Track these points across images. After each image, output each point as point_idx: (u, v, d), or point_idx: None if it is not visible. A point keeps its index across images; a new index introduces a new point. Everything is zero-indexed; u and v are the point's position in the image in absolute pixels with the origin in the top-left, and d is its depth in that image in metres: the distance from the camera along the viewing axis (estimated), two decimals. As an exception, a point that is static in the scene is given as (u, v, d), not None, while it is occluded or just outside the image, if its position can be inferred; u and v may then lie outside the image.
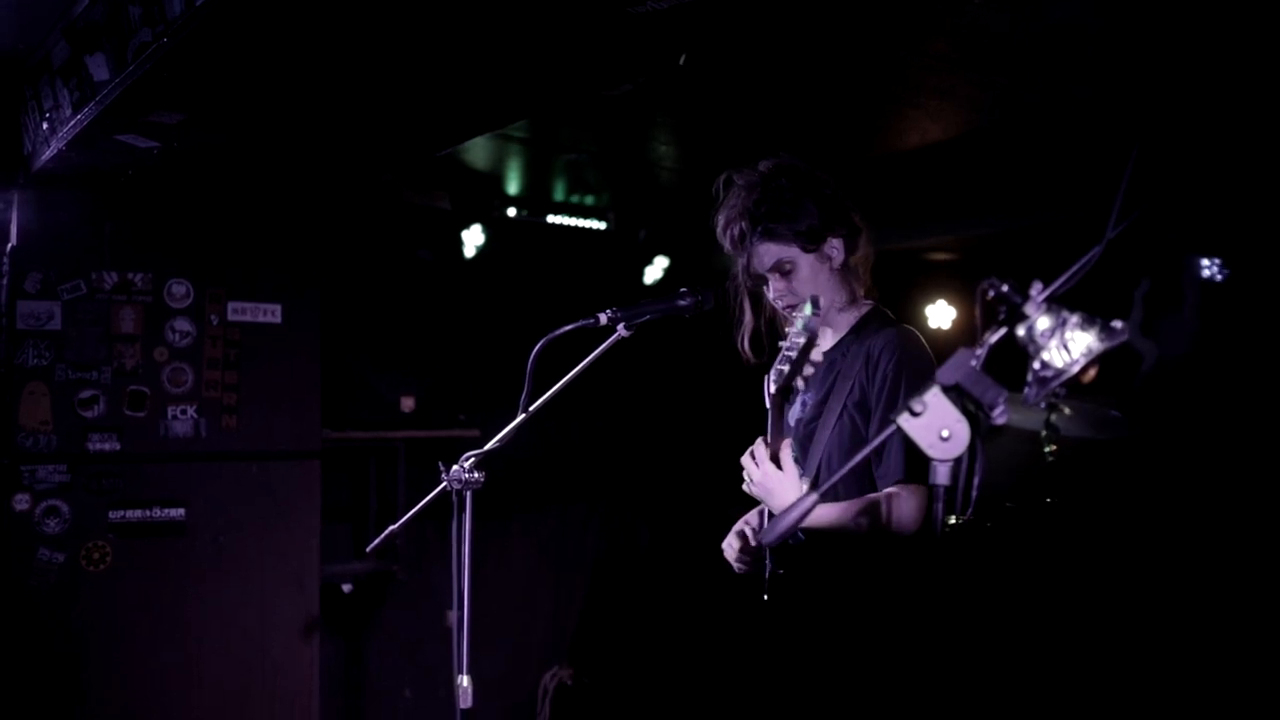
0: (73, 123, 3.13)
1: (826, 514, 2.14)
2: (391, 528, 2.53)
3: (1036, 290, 1.39)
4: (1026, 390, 1.39)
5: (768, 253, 2.30)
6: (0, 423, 3.84)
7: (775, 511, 2.13)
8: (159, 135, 3.23)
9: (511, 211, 5.33)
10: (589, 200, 5.45)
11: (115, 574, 3.99)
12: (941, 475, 1.37)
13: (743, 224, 2.31)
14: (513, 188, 5.19)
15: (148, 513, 4.07)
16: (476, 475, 2.23)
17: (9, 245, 3.88)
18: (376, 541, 2.53)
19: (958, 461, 1.37)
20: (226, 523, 4.21)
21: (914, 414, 1.35)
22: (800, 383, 1.99)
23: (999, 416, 1.35)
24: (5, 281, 3.87)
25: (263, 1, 2.24)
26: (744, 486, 2.19)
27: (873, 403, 2.20)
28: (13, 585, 3.82)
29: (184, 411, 4.16)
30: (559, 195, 5.37)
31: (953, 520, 1.54)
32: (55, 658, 3.86)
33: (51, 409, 3.92)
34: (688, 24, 2.44)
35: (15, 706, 3.77)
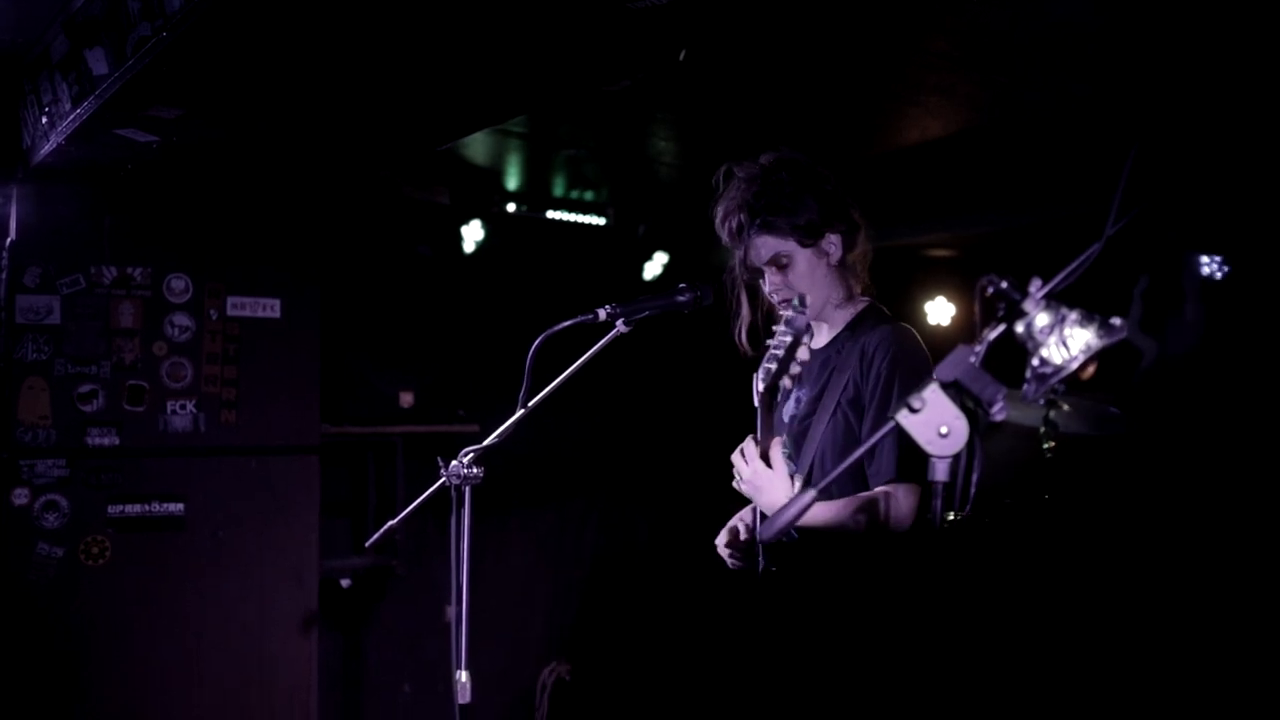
0: (72, 117, 3.13)
1: (822, 512, 2.13)
2: (390, 523, 2.51)
3: (1036, 287, 1.39)
4: (1025, 387, 1.39)
5: (765, 246, 2.30)
6: (-1, 417, 3.84)
7: (764, 509, 2.13)
8: (158, 130, 3.22)
9: (511, 207, 5.33)
10: (588, 196, 5.45)
11: (114, 569, 3.99)
12: (940, 471, 1.37)
13: (741, 216, 2.30)
14: (512, 183, 5.18)
15: (147, 507, 4.07)
16: (475, 470, 2.23)
17: (8, 239, 3.88)
18: (375, 536, 2.53)
19: (956, 458, 1.37)
20: (225, 518, 4.20)
21: (913, 410, 1.36)
22: (789, 381, 1.99)
23: (998, 413, 1.35)
24: (4, 276, 3.86)
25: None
26: (734, 484, 2.19)
27: (866, 400, 2.20)
28: (12, 580, 3.81)
29: (183, 406, 4.16)
30: (558, 191, 5.37)
31: (951, 516, 1.54)
32: (54, 652, 3.86)
33: (50, 403, 3.92)
34: (687, 20, 2.44)
35: (14, 701, 3.77)
